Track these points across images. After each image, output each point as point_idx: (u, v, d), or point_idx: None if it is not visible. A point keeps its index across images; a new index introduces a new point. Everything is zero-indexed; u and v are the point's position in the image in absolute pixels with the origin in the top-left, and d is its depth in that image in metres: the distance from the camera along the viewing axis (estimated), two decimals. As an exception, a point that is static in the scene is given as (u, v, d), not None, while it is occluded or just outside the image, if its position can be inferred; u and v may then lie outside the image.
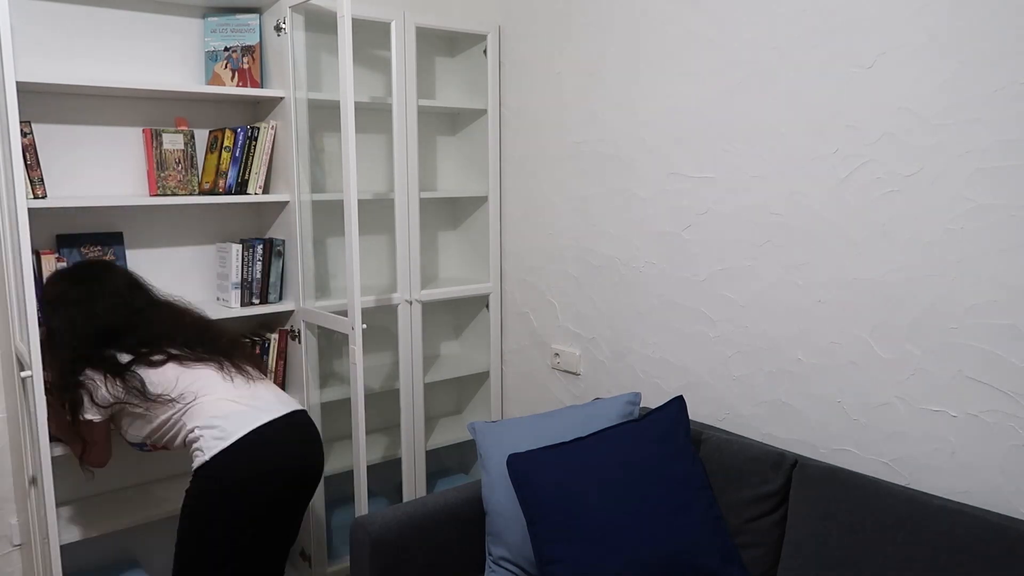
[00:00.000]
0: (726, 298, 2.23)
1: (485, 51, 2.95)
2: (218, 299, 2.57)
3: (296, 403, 2.03)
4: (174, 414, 1.92)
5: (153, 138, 2.29)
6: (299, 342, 2.56)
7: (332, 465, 2.70)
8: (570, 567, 1.78)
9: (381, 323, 3.01)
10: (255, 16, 2.45)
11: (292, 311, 2.57)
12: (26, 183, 2.08)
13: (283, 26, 2.41)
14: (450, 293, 2.87)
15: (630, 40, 2.44)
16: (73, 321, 1.94)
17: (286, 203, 2.51)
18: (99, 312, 1.97)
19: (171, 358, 1.97)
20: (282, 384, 2.61)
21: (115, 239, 2.37)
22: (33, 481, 2.11)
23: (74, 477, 2.42)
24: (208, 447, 1.86)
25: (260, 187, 2.47)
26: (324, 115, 2.75)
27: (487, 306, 3.07)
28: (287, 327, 2.62)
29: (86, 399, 1.91)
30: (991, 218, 1.65)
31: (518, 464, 1.92)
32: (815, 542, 1.77)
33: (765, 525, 1.90)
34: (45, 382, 1.88)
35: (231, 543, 1.86)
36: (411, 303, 2.76)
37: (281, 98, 2.45)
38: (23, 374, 1.87)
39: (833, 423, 1.99)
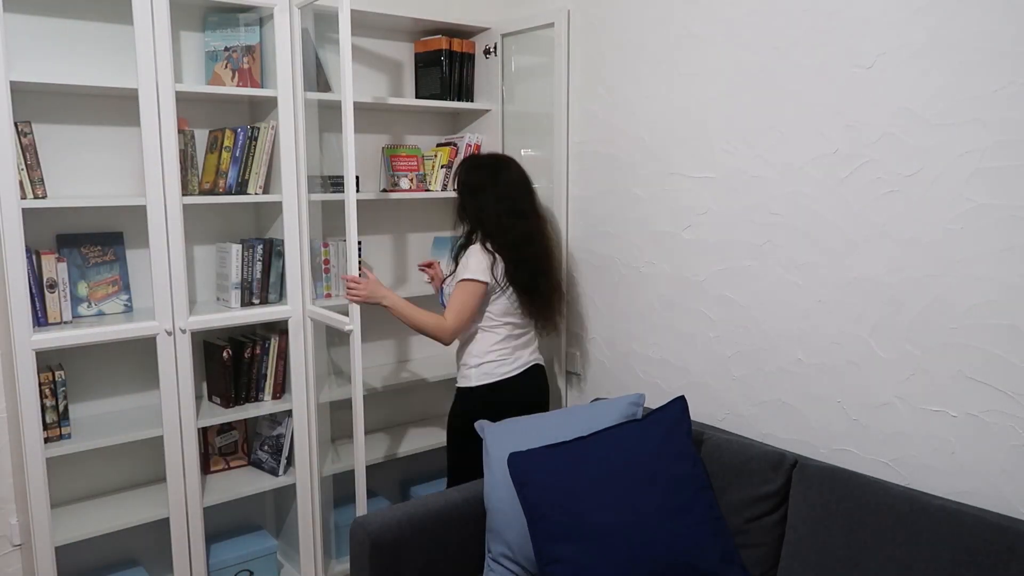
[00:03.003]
0: (726, 298, 2.23)
1: (486, 52, 2.96)
2: (218, 299, 2.57)
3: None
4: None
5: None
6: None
7: (333, 465, 2.70)
8: (570, 566, 1.78)
9: (382, 323, 3.01)
10: (255, 16, 2.45)
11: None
12: (25, 183, 2.09)
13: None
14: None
15: (630, 40, 2.44)
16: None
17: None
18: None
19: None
20: (282, 384, 2.61)
21: (115, 239, 2.37)
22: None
23: (73, 477, 2.42)
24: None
25: (260, 187, 2.47)
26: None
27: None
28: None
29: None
30: (991, 218, 1.65)
31: (519, 463, 1.92)
32: (815, 542, 1.77)
33: (765, 525, 1.90)
34: None
35: None
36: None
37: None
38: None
39: (833, 423, 1.99)
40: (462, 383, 2.43)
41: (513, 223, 2.36)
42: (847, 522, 1.73)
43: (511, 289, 2.36)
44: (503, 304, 2.38)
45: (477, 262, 2.33)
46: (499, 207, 2.37)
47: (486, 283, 2.32)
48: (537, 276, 2.40)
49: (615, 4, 2.48)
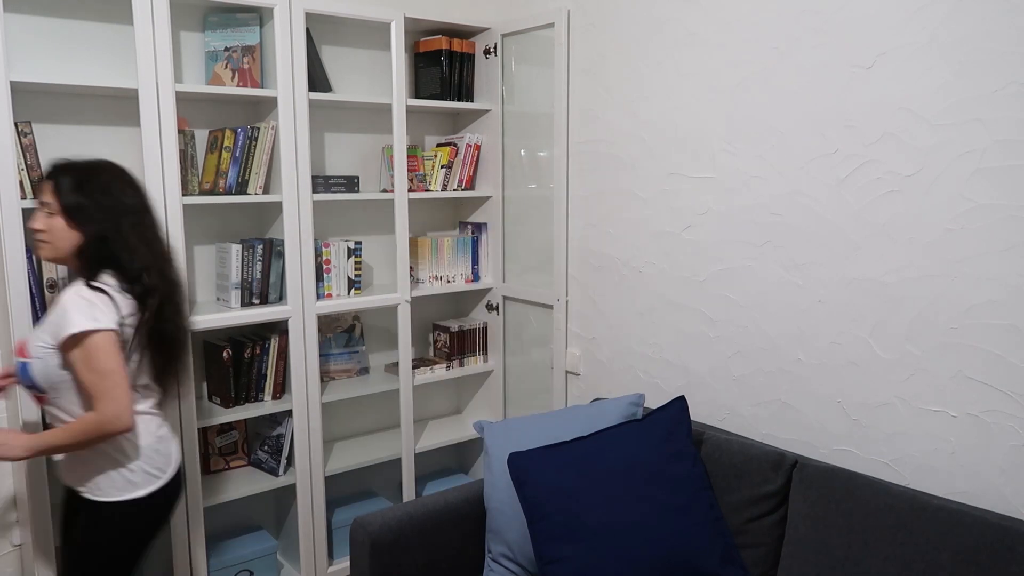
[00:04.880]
0: (726, 298, 2.23)
1: (486, 52, 2.96)
2: (218, 299, 2.57)
3: None
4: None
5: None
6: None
7: (333, 465, 2.70)
8: (570, 566, 1.78)
9: (384, 323, 3.01)
10: (255, 16, 2.45)
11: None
12: (25, 183, 2.09)
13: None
14: (451, 288, 2.87)
15: (630, 40, 2.44)
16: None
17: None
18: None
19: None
20: (282, 384, 2.61)
21: (115, 239, 2.37)
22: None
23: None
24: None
25: (260, 187, 2.47)
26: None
27: (489, 306, 3.08)
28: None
29: None
30: (991, 218, 1.65)
31: (519, 463, 1.92)
32: (815, 542, 1.77)
33: (765, 525, 1.90)
34: None
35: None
36: (409, 302, 2.76)
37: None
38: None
39: (833, 423, 1.99)
40: (105, 495, 1.74)
41: None
42: (847, 522, 1.73)
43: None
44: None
45: None
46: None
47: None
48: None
49: (615, 4, 2.48)
